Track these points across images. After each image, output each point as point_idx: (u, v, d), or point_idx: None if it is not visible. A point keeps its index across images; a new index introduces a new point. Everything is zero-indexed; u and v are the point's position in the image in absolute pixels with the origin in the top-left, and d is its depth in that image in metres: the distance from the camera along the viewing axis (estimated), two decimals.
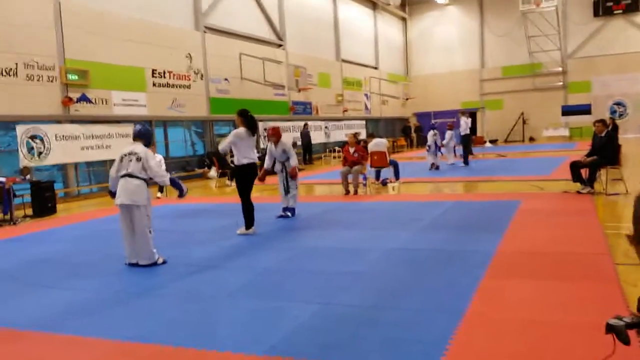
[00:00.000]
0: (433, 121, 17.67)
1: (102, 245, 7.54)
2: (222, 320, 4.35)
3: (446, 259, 5.87)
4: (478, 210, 9.01)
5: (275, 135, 9.09)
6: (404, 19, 38.50)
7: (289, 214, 9.12)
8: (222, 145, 7.99)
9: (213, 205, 11.94)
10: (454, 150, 18.80)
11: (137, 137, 6.39)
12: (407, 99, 35.36)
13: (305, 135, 24.25)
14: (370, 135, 14.88)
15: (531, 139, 33.62)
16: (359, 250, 6.48)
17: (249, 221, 7.74)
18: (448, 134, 18.25)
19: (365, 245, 6.76)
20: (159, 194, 13.26)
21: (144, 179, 6.16)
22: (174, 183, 7.40)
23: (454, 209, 9.25)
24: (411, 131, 34.48)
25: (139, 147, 6.24)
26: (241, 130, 7.60)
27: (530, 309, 4.16)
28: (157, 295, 5.14)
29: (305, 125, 24.65)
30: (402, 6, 37.16)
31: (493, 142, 32.50)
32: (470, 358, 3.39)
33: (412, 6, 38.08)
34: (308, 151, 24.19)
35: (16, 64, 13.31)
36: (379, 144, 13.06)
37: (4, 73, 13.06)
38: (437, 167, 16.72)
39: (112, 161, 15.61)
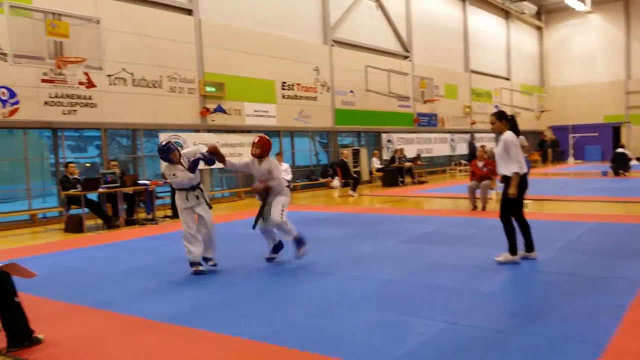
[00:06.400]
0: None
1: (232, 247, 7.89)
2: (345, 328, 4.33)
3: (585, 284, 5.37)
4: (625, 233, 8.18)
5: (261, 147, 6.74)
6: (539, 28, 36.58)
7: (302, 252, 6.79)
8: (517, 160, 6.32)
9: (336, 214, 12.07)
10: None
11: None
12: (542, 112, 33.39)
13: (472, 145, 24.75)
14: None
15: None
16: (487, 268, 6.15)
17: (514, 245, 6.42)
18: None
19: (494, 264, 6.41)
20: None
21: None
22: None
23: (596, 231, 8.48)
24: (547, 145, 32.57)
25: None
26: (511, 134, 6.36)
27: None
28: (282, 298, 5.28)
29: (472, 136, 24.83)
30: (538, 15, 35.39)
31: None
32: None
33: (549, 15, 36.08)
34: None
35: (161, 76, 14.55)
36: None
37: (150, 85, 14.32)
38: None
39: None
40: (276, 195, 6.69)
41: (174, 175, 6.47)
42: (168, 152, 6.50)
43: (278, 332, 4.24)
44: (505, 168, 6.36)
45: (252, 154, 6.72)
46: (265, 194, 6.69)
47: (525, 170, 6.37)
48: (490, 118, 6.63)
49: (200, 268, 6.47)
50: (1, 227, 11.51)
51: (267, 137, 6.91)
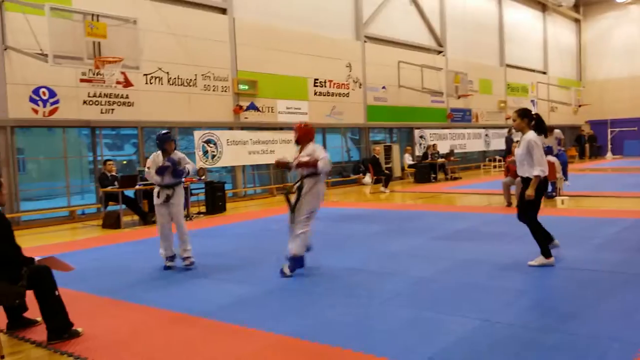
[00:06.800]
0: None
1: (265, 243, 7.99)
2: (378, 325, 4.34)
3: (622, 282, 5.25)
4: None
5: (297, 132, 6.35)
6: (577, 21, 35.66)
7: (287, 272, 6.03)
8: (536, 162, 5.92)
9: (367, 210, 12.05)
10: None
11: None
12: (579, 106, 32.54)
13: (509, 140, 24.05)
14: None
15: None
16: (522, 266, 6.05)
17: (546, 247, 6.09)
18: None
19: (528, 261, 6.30)
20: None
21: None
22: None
23: (635, 228, 8.25)
24: (584, 140, 31.78)
25: None
26: (535, 135, 6.05)
27: None
28: (314, 294, 5.31)
29: (510, 131, 24.37)
30: (576, 7, 34.49)
31: None
32: None
33: (587, 7, 35.13)
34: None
35: (195, 75, 14.76)
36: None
37: (185, 83, 14.55)
38: None
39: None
40: (313, 185, 6.07)
41: (148, 168, 6.63)
42: (164, 141, 6.67)
43: (310, 328, 4.28)
44: (528, 170, 6.00)
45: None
46: (302, 179, 6.11)
47: (547, 173, 6.02)
48: (512, 115, 6.32)
49: (168, 264, 6.68)
50: (41, 223, 11.89)
51: (305, 124, 6.45)
